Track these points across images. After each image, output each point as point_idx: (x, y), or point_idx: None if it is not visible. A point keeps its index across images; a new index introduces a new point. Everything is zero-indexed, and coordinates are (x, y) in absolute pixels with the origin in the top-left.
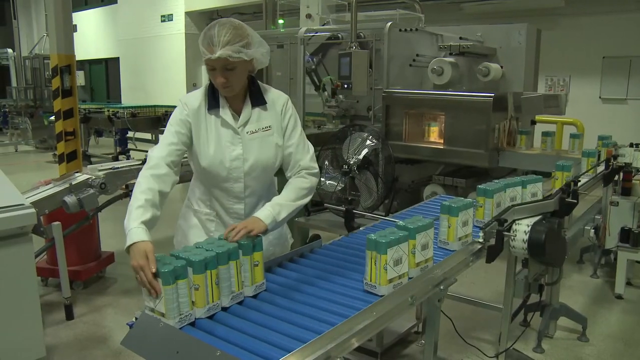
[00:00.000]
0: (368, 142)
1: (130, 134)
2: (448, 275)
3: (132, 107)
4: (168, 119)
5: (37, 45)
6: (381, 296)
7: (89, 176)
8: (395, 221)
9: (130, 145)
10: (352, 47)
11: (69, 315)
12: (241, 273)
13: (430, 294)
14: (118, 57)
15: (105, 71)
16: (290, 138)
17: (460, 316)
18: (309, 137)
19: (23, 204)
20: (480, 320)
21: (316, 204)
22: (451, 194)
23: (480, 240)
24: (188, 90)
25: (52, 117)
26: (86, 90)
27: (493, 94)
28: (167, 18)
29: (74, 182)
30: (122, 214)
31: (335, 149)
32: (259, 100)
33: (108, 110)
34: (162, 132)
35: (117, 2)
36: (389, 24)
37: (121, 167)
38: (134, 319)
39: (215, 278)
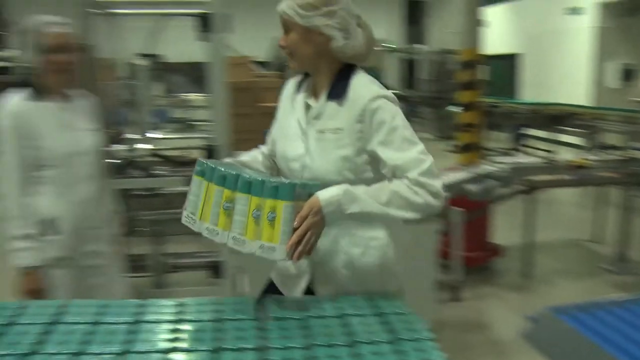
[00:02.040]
0: None
1: (529, 130)
2: None
3: (532, 104)
4: (567, 118)
5: (443, 40)
6: None
7: (493, 168)
8: None
9: (531, 142)
10: None
11: (456, 297)
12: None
13: None
14: (519, 53)
15: (505, 66)
16: (384, 151)
17: None
18: None
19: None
20: None
21: None
22: None
23: None
24: (591, 90)
25: (455, 109)
26: (486, 85)
27: None
28: (574, 11)
29: (479, 172)
30: (516, 209)
31: None
32: (338, 92)
33: (507, 106)
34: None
35: None
36: None
37: (525, 163)
38: (534, 314)
39: (253, 207)
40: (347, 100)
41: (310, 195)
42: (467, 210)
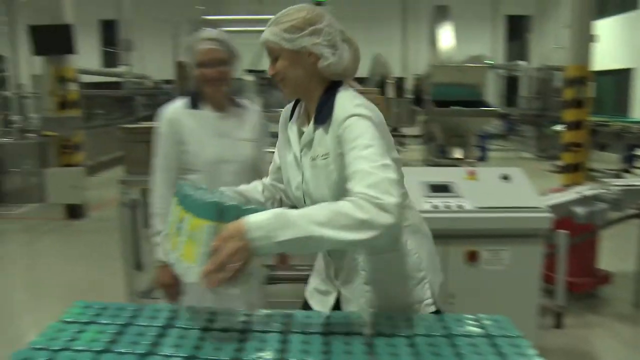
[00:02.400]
0: None
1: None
2: None
3: None
4: None
5: (544, 56)
6: None
7: (603, 190)
8: None
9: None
10: None
11: (558, 324)
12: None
13: None
14: (632, 68)
15: (616, 82)
16: (347, 166)
17: None
18: None
19: (541, 207)
20: None
21: None
22: None
23: None
24: None
25: (558, 127)
26: (594, 102)
27: None
28: None
29: (587, 194)
30: (628, 234)
31: None
32: (323, 117)
33: (617, 124)
34: None
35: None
36: None
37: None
38: None
39: (190, 227)
40: (330, 124)
41: (239, 217)
42: (573, 233)
